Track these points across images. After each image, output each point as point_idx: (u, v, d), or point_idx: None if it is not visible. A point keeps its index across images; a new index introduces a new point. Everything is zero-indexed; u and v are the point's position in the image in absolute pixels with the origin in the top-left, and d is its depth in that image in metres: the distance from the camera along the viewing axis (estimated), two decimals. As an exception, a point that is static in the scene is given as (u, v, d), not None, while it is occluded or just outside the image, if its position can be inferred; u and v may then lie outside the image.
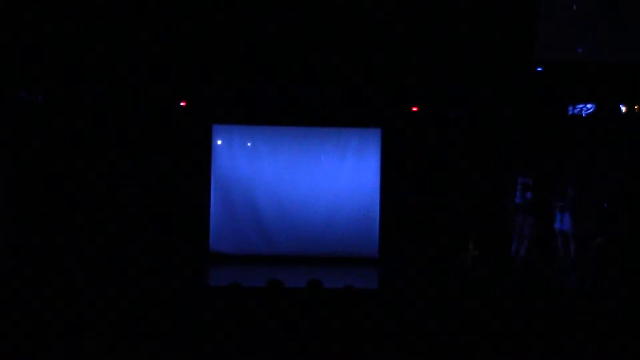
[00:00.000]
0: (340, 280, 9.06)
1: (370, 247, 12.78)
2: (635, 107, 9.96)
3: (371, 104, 11.79)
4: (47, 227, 12.04)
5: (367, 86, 9.35)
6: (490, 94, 10.00)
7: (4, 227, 11.27)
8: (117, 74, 8.61)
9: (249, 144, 12.92)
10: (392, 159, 12.88)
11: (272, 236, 12.72)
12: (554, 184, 11.21)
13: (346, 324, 5.09)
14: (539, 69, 8.47)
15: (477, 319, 5.57)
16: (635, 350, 4.93)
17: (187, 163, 12.80)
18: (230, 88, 9.79)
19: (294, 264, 11.70)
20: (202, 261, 11.86)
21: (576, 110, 11.01)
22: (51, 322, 5.09)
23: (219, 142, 12.89)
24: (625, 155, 9.41)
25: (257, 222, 12.71)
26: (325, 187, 12.79)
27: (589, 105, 10.78)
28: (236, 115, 12.32)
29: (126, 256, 11.98)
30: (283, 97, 11.47)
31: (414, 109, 11.89)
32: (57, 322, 5.13)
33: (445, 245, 12.69)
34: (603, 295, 5.83)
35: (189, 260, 11.75)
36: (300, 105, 12.04)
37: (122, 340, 5.04)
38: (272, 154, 12.83)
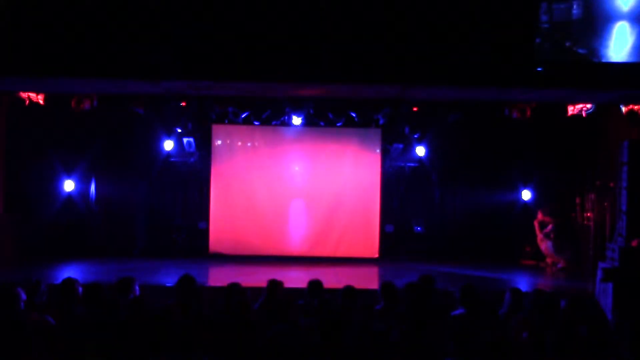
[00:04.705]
0: (340, 280, 9.07)
1: (370, 247, 12.79)
2: (636, 107, 9.95)
3: (371, 104, 11.77)
4: (46, 226, 12.07)
5: (368, 86, 9.33)
6: (489, 95, 9.98)
7: (4, 228, 11.28)
8: (117, 73, 8.57)
9: (248, 144, 12.92)
10: (392, 159, 12.88)
11: (272, 236, 12.71)
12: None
13: (346, 324, 5.08)
14: (539, 69, 8.44)
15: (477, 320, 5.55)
16: None
17: (186, 163, 12.80)
18: (230, 88, 9.76)
19: (294, 264, 11.69)
20: (202, 261, 11.84)
21: (576, 111, 11.00)
22: (50, 321, 5.08)
23: (219, 142, 12.88)
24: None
25: (257, 222, 12.70)
26: (325, 187, 12.79)
27: (588, 105, 10.76)
28: (236, 116, 12.30)
29: (126, 255, 12.00)
30: (283, 97, 11.45)
31: (414, 109, 11.88)
32: (56, 322, 5.12)
33: (446, 245, 12.74)
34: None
35: (189, 260, 11.74)
36: (300, 105, 12.03)
37: (122, 340, 5.03)
38: (272, 154, 12.83)
